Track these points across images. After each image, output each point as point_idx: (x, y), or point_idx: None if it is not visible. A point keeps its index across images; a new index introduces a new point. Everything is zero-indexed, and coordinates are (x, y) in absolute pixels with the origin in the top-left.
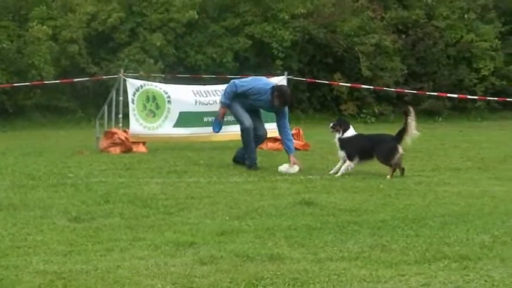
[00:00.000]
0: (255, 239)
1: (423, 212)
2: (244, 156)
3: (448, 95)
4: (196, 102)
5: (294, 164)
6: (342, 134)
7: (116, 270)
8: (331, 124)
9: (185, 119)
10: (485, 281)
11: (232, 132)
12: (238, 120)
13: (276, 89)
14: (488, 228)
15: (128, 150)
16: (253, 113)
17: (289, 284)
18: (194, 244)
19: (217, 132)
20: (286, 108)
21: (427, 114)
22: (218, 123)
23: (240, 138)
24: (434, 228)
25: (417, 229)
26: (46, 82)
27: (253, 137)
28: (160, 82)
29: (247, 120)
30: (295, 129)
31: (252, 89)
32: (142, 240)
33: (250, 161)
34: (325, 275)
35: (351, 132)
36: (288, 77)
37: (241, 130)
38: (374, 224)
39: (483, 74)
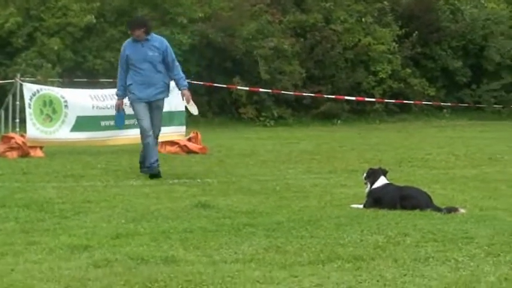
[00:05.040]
0: (150, 241)
1: (318, 213)
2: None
3: (346, 97)
4: (93, 106)
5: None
6: None
7: (9, 275)
8: None
9: (82, 123)
10: (377, 280)
11: (128, 136)
12: None
13: None
14: (382, 229)
15: (25, 154)
16: None
17: (182, 286)
18: (89, 247)
19: None
20: None
21: (325, 117)
22: None
23: (136, 141)
24: (329, 230)
25: (312, 230)
26: None
27: None
28: (57, 87)
29: None
30: (193, 133)
31: None
32: (37, 244)
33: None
34: (219, 277)
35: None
36: (187, 80)
37: None
38: (269, 226)
39: (381, 76)
